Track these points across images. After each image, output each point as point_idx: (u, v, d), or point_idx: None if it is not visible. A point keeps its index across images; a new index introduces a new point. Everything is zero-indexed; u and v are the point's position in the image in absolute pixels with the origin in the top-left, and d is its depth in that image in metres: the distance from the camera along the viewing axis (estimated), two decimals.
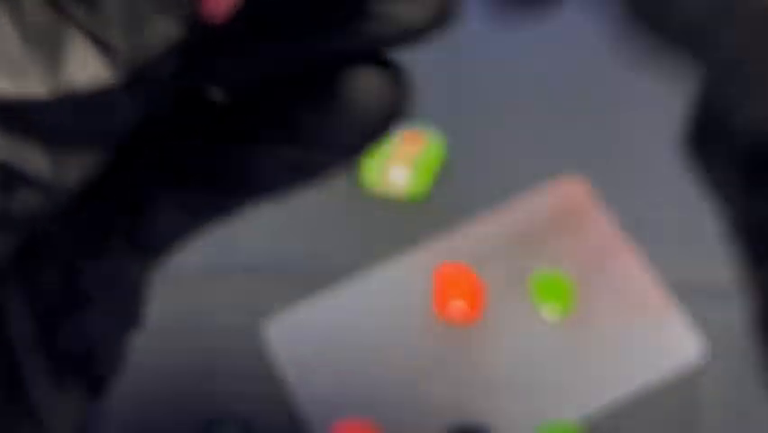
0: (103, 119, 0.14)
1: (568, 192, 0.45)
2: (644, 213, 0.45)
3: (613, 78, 0.49)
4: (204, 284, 0.44)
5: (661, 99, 0.48)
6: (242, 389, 0.42)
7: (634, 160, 0.47)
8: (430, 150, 0.46)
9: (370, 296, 0.43)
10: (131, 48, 0.13)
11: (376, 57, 0.18)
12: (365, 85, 0.18)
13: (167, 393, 0.42)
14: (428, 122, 0.48)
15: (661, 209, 0.45)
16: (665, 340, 0.41)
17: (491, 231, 0.44)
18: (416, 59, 0.50)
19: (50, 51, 0.13)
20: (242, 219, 0.46)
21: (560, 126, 0.48)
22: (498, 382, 0.41)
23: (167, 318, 0.43)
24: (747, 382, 0.41)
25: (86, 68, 0.13)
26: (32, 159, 0.14)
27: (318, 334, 0.42)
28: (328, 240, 0.45)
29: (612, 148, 0.47)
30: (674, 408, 0.40)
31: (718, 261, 0.44)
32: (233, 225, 0.46)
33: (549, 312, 0.42)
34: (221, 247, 0.45)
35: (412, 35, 0.18)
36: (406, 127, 0.47)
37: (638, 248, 0.44)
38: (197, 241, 0.45)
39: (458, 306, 0.42)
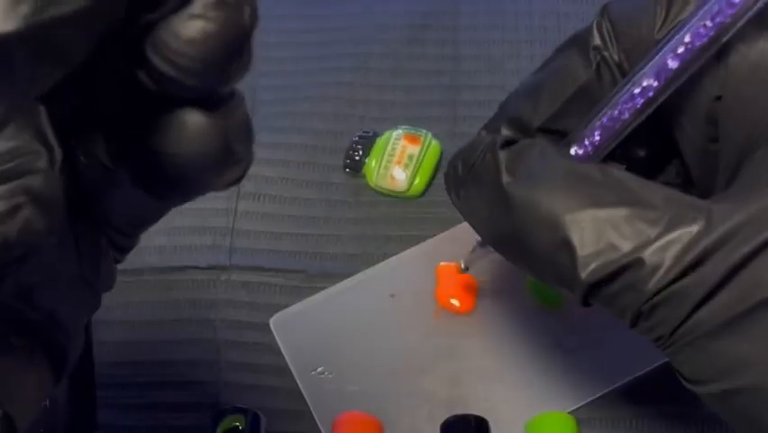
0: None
1: None
2: None
3: None
4: (208, 281, 0.45)
5: None
6: (249, 381, 0.43)
7: None
8: (429, 150, 0.47)
9: (370, 293, 0.44)
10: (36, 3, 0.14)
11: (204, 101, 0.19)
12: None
13: (177, 384, 0.43)
14: (427, 123, 0.48)
15: None
16: None
17: None
18: (415, 61, 0.51)
19: None
20: (242, 219, 0.47)
21: None
22: (492, 376, 0.41)
23: (173, 312, 0.44)
24: None
25: None
26: None
27: (320, 330, 0.43)
28: (328, 239, 0.46)
29: None
30: (665, 400, 0.41)
31: None
32: (234, 224, 0.46)
33: (543, 307, 0.43)
34: (222, 246, 0.46)
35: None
36: (406, 129, 0.47)
37: None
38: (202, 239, 0.46)
39: (452, 304, 0.43)
